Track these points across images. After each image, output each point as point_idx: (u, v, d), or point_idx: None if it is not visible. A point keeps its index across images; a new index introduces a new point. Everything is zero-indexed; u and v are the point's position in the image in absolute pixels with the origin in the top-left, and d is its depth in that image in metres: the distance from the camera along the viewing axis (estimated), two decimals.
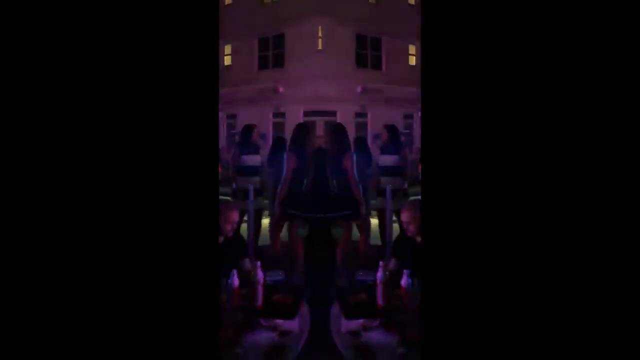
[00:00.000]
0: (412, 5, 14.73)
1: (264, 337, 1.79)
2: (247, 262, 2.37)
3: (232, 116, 14.36)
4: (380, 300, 1.89)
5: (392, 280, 2.03)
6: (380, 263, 2.01)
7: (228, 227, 2.29)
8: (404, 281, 2.00)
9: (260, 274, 1.95)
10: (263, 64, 14.04)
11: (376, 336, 1.73)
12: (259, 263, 2.00)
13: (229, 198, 3.53)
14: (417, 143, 14.29)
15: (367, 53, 14.15)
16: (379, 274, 1.96)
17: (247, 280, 2.08)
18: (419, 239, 2.34)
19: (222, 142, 13.18)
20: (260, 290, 1.92)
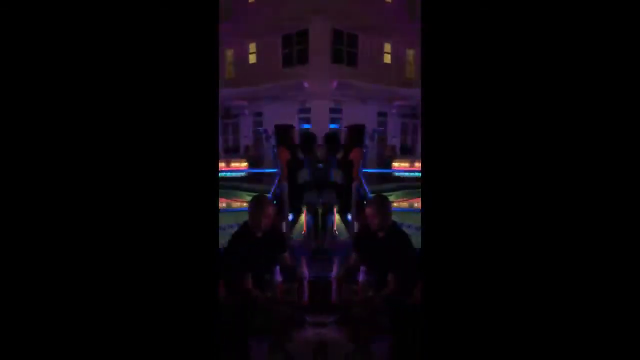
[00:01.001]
0: (389, 3, 14.83)
1: (311, 333, 1.77)
2: (287, 257, 2.37)
3: (258, 114, 14.47)
4: (333, 296, 1.86)
5: (349, 276, 2.01)
6: (335, 259, 1.99)
7: (265, 222, 2.29)
8: (361, 277, 1.97)
9: (306, 271, 1.92)
10: (287, 61, 13.91)
11: (328, 332, 1.70)
12: (304, 259, 1.98)
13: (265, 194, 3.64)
14: (391, 140, 14.46)
15: (343, 49, 14.19)
16: (334, 270, 1.93)
17: (289, 274, 2.09)
18: (381, 234, 2.34)
19: (249, 140, 13.55)
20: (306, 287, 1.89)
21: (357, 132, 3.81)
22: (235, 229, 2.41)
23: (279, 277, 1.96)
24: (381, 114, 14.82)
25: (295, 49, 13.65)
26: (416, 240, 2.97)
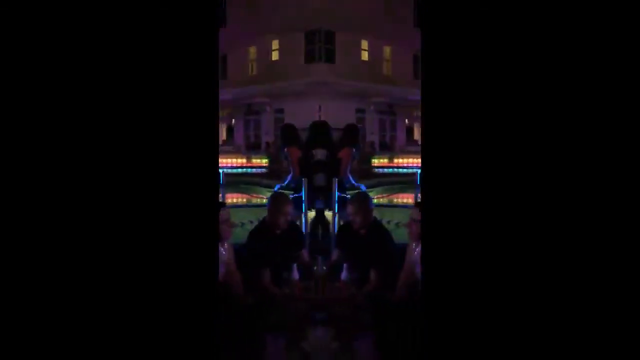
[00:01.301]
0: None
1: (328, 331, 1.74)
2: (305, 254, 2.36)
3: (279, 110, 14.60)
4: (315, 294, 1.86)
5: (332, 273, 2.01)
6: (318, 257, 1.99)
7: (282, 219, 2.29)
8: (344, 274, 1.98)
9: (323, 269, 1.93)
10: (310, 58, 14.01)
11: (312, 330, 1.69)
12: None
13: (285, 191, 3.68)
14: (369, 137, 14.59)
15: (322, 46, 14.26)
16: (316, 268, 1.93)
17: (307, 272, 2.07)
18: (363, 231, 2.34)
19: (271, 136, 13.69)
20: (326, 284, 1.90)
21: (349, 132, 3.87)
22: (255, 225, 2.40)
23: (296, 275, 1.97)
24: (359, 111, 14.92)
25: (317, 46, 13.80)
26: (397, 235, 3.00)
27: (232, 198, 4.59)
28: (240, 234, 2.94)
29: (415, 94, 15.46)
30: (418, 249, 1.96)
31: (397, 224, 4.03)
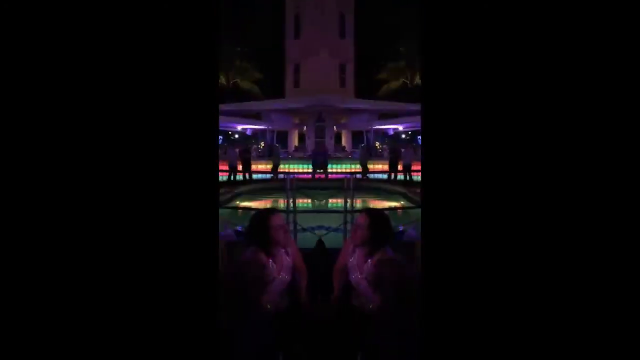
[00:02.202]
0: None
1: None
2: None
3: None
4: None
5: None
6: None
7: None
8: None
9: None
10: None
11: None
12: None
13: None
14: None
15: None
16: None
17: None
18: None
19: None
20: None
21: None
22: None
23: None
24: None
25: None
26: (326, 240, 3.03)
27: (299, 202, 4.39)
28: (311, 239, 2.95)
29: (342, 102, 15.97)
30: (355, 254, 1.97)
31: (327, 229, 4.09)
